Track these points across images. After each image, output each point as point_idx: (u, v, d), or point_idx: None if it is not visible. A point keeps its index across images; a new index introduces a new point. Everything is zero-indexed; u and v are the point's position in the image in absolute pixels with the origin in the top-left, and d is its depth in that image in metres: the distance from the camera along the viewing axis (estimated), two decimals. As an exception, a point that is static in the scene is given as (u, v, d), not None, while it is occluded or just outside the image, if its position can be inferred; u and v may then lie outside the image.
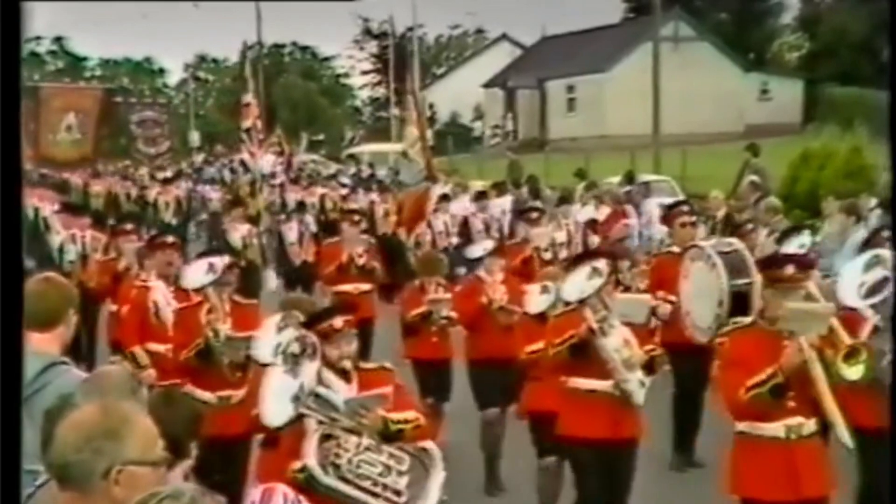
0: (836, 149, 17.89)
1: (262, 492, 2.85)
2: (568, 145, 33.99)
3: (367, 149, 35.63)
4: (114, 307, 9.10)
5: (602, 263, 5.96)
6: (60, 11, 55.78)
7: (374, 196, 19.32)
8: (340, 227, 11.44)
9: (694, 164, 23.89)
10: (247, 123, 14.38)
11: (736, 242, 7.03)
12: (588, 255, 6.64)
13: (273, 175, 27.96)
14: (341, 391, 4.45)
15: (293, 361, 4.27)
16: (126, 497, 2.48)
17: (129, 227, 10.22)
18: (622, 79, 37.07)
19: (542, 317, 6.50)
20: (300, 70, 55.25)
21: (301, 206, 16.39)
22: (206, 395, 6.22)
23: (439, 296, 8.18)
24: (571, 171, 20.36)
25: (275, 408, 4.17)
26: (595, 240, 12.81)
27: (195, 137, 29.92)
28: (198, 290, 6.58)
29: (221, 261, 6.57)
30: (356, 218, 11.40)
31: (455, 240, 14.93)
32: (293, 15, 54.49)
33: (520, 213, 11.75)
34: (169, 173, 25.41)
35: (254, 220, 13.80)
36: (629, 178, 17.02)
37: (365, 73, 56.26)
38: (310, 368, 4.24)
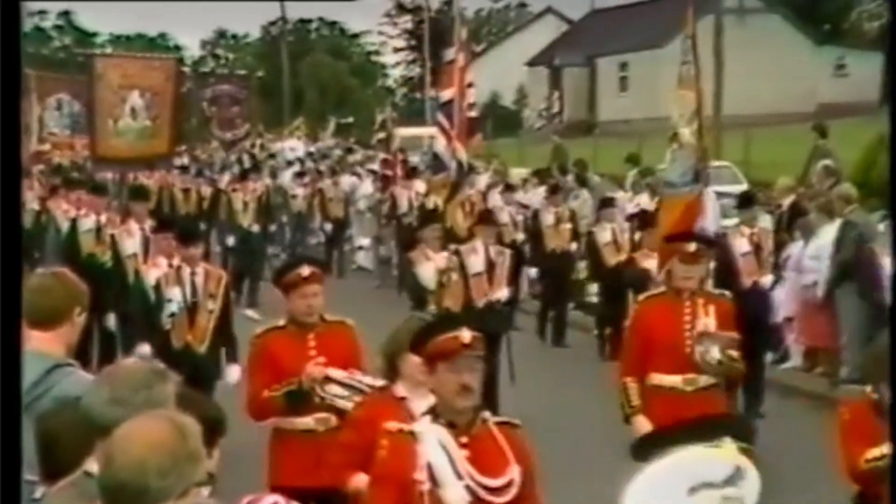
0: (919, 130, 17.45)
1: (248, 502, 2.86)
2: (619, 128, 33.71)
3: (399, 133, 35.53)
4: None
5: None
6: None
7: (419, 187, 16.91)
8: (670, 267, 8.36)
9: (759, 148, 23.58)
10: (447, 93, 10.09)
11: None
12: None
13: (301, 162, 27.52)
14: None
15: None
16: None
17: (307, 272, 5.57)
18: (680, 55, 36.63)
19: None
20: (328, 48, 55.40)
21: (487, 217, 10.99)
22: None
23: None
24: (622, 156, 20.11)
25: None
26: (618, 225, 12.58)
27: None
28: None
29: None
30: (692, 249, 6.30)
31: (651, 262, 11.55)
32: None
33: None
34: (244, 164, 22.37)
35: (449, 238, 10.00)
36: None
37: (398, 50, 56.26)
38: None
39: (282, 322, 5.64)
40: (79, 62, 22.95)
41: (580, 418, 9.66)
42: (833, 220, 10.95)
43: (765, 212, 12.19)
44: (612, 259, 12.39)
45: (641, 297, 6.71)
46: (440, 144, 10.43)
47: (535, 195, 16.82)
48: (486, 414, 3.97)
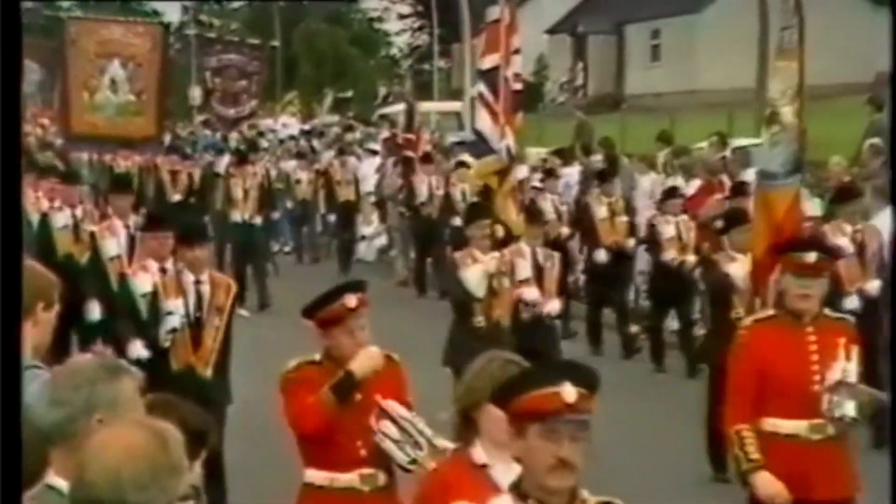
0: None
1: None
2: (650, 103, 33.66)
3: (402, 108, 35.59)
4: None
5: None
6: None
7: (434, 177, 17.10)
8: None
9: (809, 124, 23.45)
10: (490, 60, 9.45)
11: None
12: None
13: (295, 140, 27.39)
14: None
15: None
16: None
17: (354, 302, 5.20)
18: (718, 21, 36.70)
19: None
20: (324, 14, 55.36)
21: (533, 214, 10.59)
22: None
23: None
24: (654, 133, 20.11)
25: None
26: (683, 220, 12.59)
27: (196, 94, 29.68)
28: None
29: None
30: (812, 259, 5.82)
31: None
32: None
33: None
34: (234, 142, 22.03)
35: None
36: (722, 143, 16.74)
37: (403, 16, 56.18)
38: None
39: (317, 357, 5.23)
40: (43, 25, 22.35)
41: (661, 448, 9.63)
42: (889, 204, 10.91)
43: (814, 195, 12.22)
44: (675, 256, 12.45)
45: (748, 320, 6.08)
46: (484, 121, 9.59)
47: (563, 177, 16.74)
48: (585, 493, 3.29)
